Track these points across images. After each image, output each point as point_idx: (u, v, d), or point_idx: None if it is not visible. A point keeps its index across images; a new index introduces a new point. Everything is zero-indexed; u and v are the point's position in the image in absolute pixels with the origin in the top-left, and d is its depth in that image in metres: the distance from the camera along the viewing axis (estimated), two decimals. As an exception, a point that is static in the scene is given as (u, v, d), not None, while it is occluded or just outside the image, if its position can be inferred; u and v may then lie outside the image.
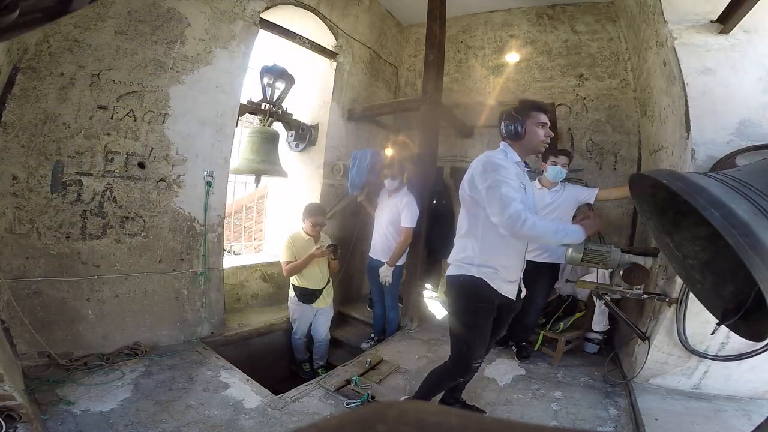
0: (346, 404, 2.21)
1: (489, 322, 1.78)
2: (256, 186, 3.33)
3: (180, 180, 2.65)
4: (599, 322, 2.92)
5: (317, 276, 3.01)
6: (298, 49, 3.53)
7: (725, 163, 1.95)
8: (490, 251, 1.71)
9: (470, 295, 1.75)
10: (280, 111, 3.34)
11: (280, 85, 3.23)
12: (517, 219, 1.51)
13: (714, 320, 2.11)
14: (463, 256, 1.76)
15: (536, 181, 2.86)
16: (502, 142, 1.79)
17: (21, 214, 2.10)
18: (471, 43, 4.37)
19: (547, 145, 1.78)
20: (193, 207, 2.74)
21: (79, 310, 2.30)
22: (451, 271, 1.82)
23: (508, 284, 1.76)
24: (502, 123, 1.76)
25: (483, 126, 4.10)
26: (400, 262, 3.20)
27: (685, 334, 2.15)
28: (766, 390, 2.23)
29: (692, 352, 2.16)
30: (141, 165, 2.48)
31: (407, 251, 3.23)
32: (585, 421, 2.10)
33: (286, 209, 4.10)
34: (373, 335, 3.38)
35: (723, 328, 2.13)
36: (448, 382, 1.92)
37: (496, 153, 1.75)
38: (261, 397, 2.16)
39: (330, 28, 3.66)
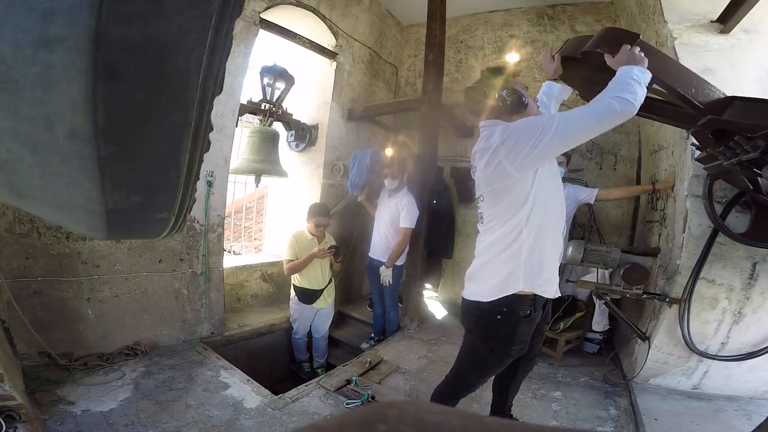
0: (346, 404, 2.21)
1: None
2: (256, 186, 3.32)
3: (180, 180, 2.64)
4: (599, 322, 2.92)
5: (318, 276, 3.01)
6: (298, 49, 3.53)
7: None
8: (542, 244, 1.37)
9: (507, 336, 1.42)
10: (280, 111, 3.34)
11: (280, 85, 3.22)
12: (611, 107, 1.18)
13: (714, 320, 2.13)
14: (504, 271, 1.37)
15: None
16: (494, 121, 1.42)
17: (21, 214, 2.09)
18: (471, 43, 4.37)
19: None
20: (193, 207, 2.73)
21: (79, 310, 2.30)
22: (477, 293, 1.46)
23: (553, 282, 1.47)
24: (502, 95, 1.41)
25: (483, 126, 4.10)
26: (400, 262, 3.20)
27: (689, 335, 2.14)
28: (766, 390, 2.23)
29: (698, 353, 2.16)
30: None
31: (407, 251, 3.23)
32: (585, 421, 2.10)
33: (286, 209, 4.10)
34: (373, 335, 3.38)
35: (723, 328, 2.15)
36: (453, 401, 1.70)
37: (503, 125, 1.36)
38: (261, 397, 2.16)
39: (330, 28, 3.66)
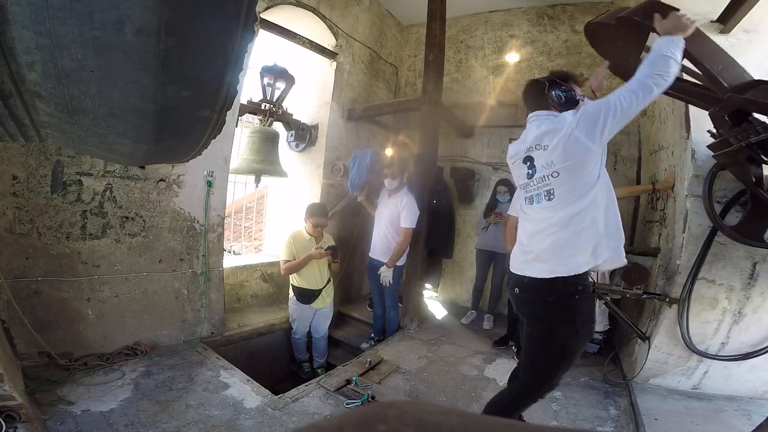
0: (346, 404, 2.21)
1: None
2: (256, 186, 3.32)
3: (180, 180, 2.64)
4: (599, 322, 2.92)
5: (316, 276, 3.01)
6: (298, 49, 3.53)
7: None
8: (616, 213, 1.45)
9: (589, 313, 1.47)
10: (280, 111, 3.34)
11: (281, 85, 3.22)
12: (646, 87, 1.32)
13: (714, 320, 2.13)
14: (591, 242, 1.40)
15: None
16: (549, 112, 1.56)
17: (21, 214, 2.10)
18: (471, 43, 4.37)
19: None
20: (193, 207, 2.74)
21: (79, 310, 2.30)
22: (560, 269, 1.43)
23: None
24: (558, 90, 1.56)
25: (483, 126, 4.11)
26: (401, 263, 3.20)
27: (689, 335, 2.14)
28: (766, 390, 2.23)
29: (698, 353, 2.16)
30: (141, 165, 2.48)
31: (407, 251, 3.23)
32: (585, 421, 2.10)
33: (286, 209, 4.10)
34: (373, 335, 3.38)
35: (723, 328, 2.15)
36: (524, 407, 1.67)
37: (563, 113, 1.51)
38: (261, 397, 2.16)
39: (330, 28, 3.66)
